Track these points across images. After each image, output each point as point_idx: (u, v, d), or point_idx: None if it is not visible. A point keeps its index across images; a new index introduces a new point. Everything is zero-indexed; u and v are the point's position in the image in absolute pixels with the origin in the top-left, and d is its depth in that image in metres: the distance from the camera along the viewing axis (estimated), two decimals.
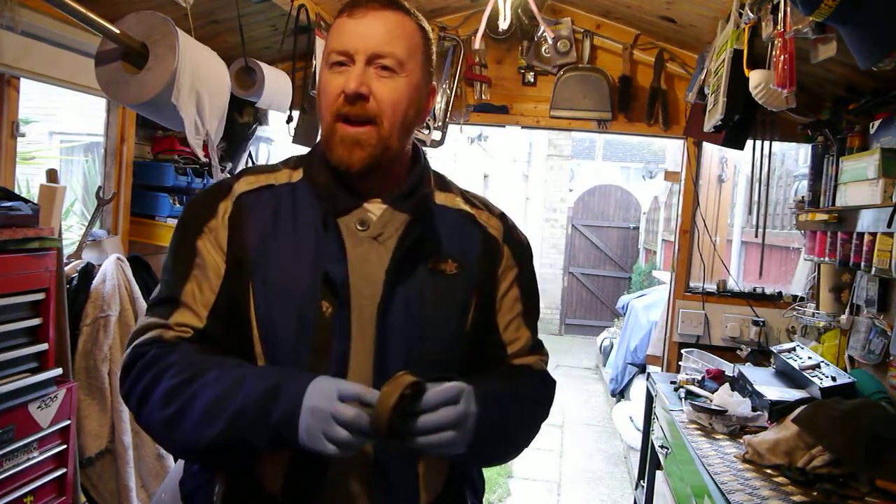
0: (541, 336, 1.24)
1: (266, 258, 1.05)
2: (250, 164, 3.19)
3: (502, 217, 1.20)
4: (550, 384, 1.22)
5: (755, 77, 1.91)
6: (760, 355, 3.02)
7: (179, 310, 1.05)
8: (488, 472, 1.32)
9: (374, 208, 1.09)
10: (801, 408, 1.99)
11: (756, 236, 3.25)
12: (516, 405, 1.10)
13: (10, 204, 1.72)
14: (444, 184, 1.19)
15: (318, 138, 1.11)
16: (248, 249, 1.05)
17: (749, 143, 2.77)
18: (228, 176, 1.17)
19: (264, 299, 1.04)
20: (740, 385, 2.44)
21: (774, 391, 2.30)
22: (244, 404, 0.93)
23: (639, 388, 5.03)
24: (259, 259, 1.05)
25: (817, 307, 2.75)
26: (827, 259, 2.39)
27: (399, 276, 1.06)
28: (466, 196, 1.20)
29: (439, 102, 3.14)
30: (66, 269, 2.15)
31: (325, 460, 1.00)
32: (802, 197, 2.66)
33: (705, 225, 3.22)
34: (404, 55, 1.03)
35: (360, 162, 1.03)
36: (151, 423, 1.02)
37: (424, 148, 1.43)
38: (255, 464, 1.04)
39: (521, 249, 1.20)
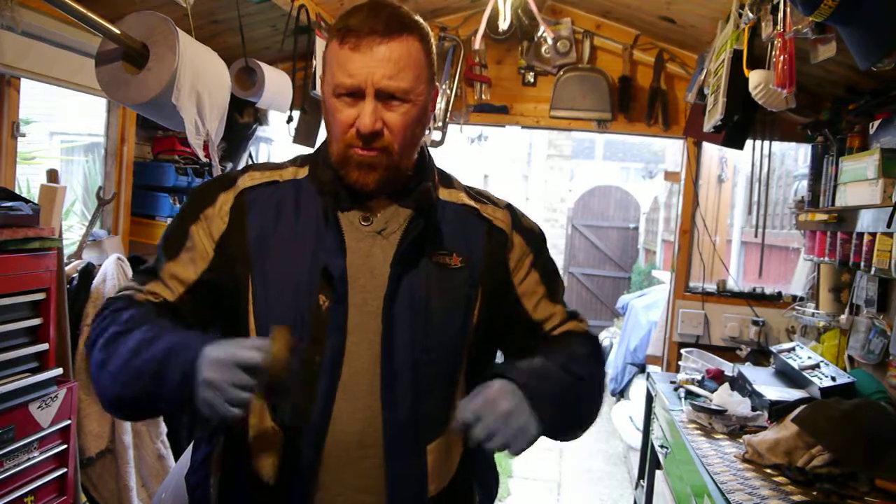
0: None
1: (266, 252, 1.08)
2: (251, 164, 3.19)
3: (508, 207, 1.21)
4: (596, 342, 1.22)
5: (755, 77, 1.91)
6: (760, 355, 3.02)
7: (155, 281, 1.09)
8: None
9: (378, 204, 1.11)
10: (801, 407, 1.99)
11: (756, 236, 3.25)
12: (572, 377, 1.09)
13: (10, 204, 1.73)
14: (448, 180, 1.21)
15: (321, 140, 1.13)
16: (248, 244, 1.08)
17: (749, 143, 2.77)
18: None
19: (263, 292, 1.07)
20: (740, 385, 2.44)
21: (774, 391, 2.30)
22: (148, 362, 0.96)
23: (638, 387, 5.03)
24: (259, 253, 1.08)
25: (817, 307, 2.75)
26: (827, 259, 2.38)
27: (404, 269, 1.07)
28: (470, 191, 1.21)
29: (439, 102, 3.14)
30: (67, 269, 2.15)
31: (318, 452, 1.03)
32: (802, 197, 2.66)
33: (705, 225, 3.22)
34: (412, 84, 1.04)
35: (374, 182, 1.06)
36: (91, 368, 1.05)
37: None
38: (249, 454, 1.05)
39: (534, 236, 1.21)
